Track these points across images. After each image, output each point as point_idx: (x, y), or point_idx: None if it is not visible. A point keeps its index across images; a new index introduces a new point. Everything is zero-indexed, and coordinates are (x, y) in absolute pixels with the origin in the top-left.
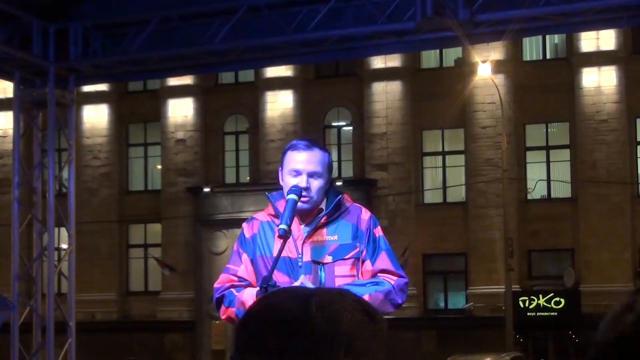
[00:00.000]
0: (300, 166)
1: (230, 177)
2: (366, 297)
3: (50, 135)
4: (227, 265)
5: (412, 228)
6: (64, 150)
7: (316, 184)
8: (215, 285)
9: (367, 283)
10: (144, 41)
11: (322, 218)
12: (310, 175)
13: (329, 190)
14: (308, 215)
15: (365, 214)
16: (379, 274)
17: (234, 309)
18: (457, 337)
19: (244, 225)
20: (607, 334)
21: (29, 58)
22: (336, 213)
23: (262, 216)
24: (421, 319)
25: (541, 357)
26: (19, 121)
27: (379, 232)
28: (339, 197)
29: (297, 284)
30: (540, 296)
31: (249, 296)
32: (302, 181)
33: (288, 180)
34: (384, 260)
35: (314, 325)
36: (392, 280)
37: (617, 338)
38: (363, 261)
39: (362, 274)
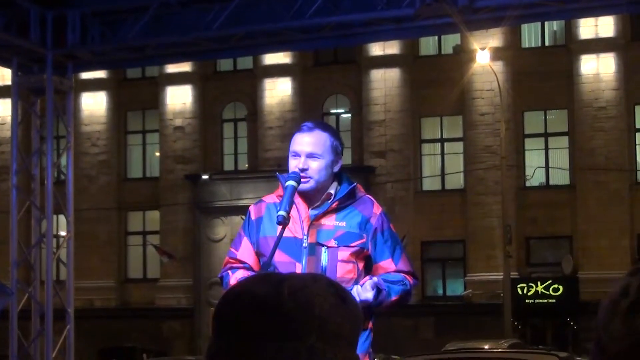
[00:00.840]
0: (299, 148)
1: (228, 165)
2: (396, 298)
3: (49, 122)
4: (230, 248)
5: (410, 215)
6: (62, 137)
7: (315, 165)
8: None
9: (397, 282)
10: (142, 28)
11: (333, 203)
12: (309, 156)
13: (340, 176)
14: (314, 198)
15: (377, 209)
16: (401, 273)
17: (225, 288)
18: (455, 324)
19: (251, 207)
20: (612, 329)
21: (27, 45)
22: (348, 201)
23: (270, 198)
24: (419, 306)
25: (539, 343)
26: (17, 108)
27: (393, 228)
28: (353, 186)
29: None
30: (539, 283)
31: (234, 280)
32: (300, 162)
33: (290, 162)
34: (405, 262)
35: (286, 310)
36: (411, 280)
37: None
38: (372, 256)
39: (378, 269)
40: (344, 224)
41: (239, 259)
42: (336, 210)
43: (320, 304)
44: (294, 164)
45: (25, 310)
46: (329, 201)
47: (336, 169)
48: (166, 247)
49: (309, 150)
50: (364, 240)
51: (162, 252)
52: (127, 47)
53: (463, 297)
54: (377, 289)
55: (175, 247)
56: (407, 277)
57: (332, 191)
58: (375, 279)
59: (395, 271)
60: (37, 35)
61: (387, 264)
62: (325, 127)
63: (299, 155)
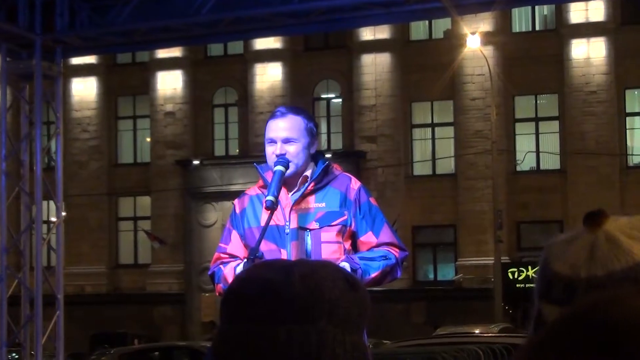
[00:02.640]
0: (274, 134)
1: (219, 150)
2: (377, 274)
3: (38, 108)
4: (219, 244)
5: (401, 200)
6: (52, 123)
7: (292, 149)
8: (211, 264)
9: (377, 257)
10: (131, 13)
11: (309, 185)
12: (285, 141)
13: (316, 157)
14: (294, 183)
15: (355, 184)
16: (383, 246)
17: (221, 285)
18: (446, 308)
19: (235, 201)
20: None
21: (15, 30)
22: (324, 180)
23: (253, 190)
24: (410, 290)
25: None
26: (6, 94)
27: (374, 201)
28: (326, 164)
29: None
30: (530, 267)
31: (229, 270)
32: (277, 148)
33: (267, 150)
34: (387, 233)
35: (296, 293)
36: (396, 253)
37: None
38: (355, 231)
39: (361, 244)
40: (323, 204)
41: (229, 253)
42: (314, 191)
43: (329, 288)
44: (270, 151)
45: (15, 296)
46: (306, 184)
47: (313, 150)
48: (157, 233)
49: (284, 136)
50: (345, 217)
51: (153, 237)
52: (116, 32)
53: (454, 281)
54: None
55: (166, 232)
56: (391, 249)
57: (308, 173)
58: (344, 262)
59: (377, 244)
60: (26, 20)
61: (367, 238)
62: (297, 111)
63: (275, 142)
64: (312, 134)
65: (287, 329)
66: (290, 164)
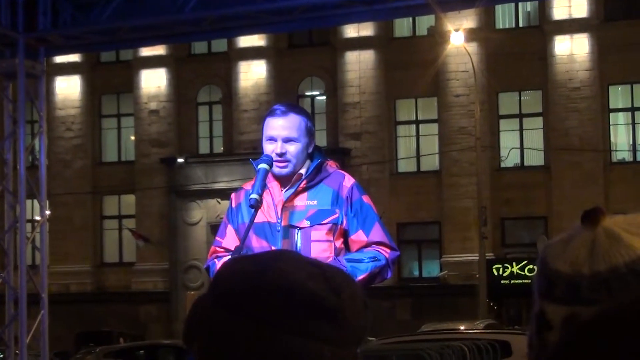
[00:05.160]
0: (275, 132)
1: (204, 148)
2: (365, 276)
3: (21, 106)
4: (215, 237)
5: (386, 197)
6: (36, 121)
7: (292, 149)
8: (207, 257)
9: (367, 258)
10: (114, 11)
11: (301, 183)
12: (286, 140)
13: (312, 154)
14: (288, 180)
15: (348, 181)
16: (373, 245)
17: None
18: (432, 305)
19: (232, 195)
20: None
21: None
22: (316, 178)
23: (249, 185)
24: (396, 287)
25: (515, 324)
26: None
27: (367, 199)
28: (318, 161)
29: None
30: (514, 264)
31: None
32: (277, 147)
33: (266, 147)
34: (378, 232)
35: (346, 317)
36: (386, 253)
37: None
38: (346, 229)
39: (352, 243)
40: (315, 202)
41: (225, 247)
42: (307, 189)
43: (364, 313)
44: (270, 149)
45: None
46: (299, 181)
47: (309, 150)
48: (142, 231)
49: (285, 135)
50: (337, 215)
51: (137, 235)
52: (99, 31)
53: (439, 278)
54: None
55: (151, 230)
56: (382, 249)
57: (303, 171)
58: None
59: (367, 243)
60: (8, 19)
61: (358, 237)
62: (299, 110)
63: (276, 140)
64: (311, 134)
65: (331, 350)
66: (289, 164)
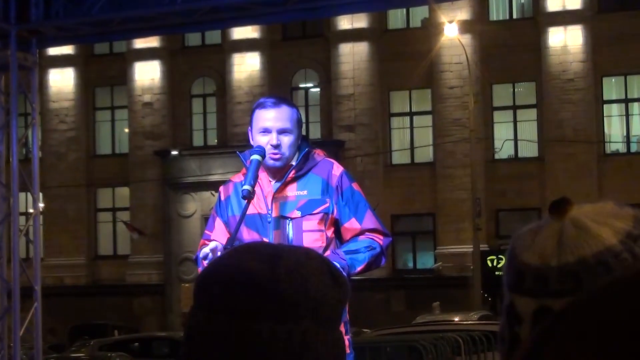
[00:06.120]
0: (269, 124)
1: (198, 140)
2: (362, 266)
3: (13, 99)
4: (205, 230)
5: (380, 189)
6: (29, 114)
7: (287, 140)
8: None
9: (363, 248)
10: (107, 2)
11: (290, 173)
12: (280, 132)
13: (301, 145)
14: (279, 172)
15: (337, 169)
16: (366, 233)
17: (200, 269)
18: (426, 296)
19: (221, 188)
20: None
21: None
22: (304, 167)
23: (237, 177)
24: (390, 279)
25: None
26: None
27: (357, 187)
28: (305, 151)
29: None
30: None
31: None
32: (272, 139)
33: (259, 139)
34: (371, 219)
35: (282, 290)
36: (380, 240)
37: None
38: (338, 218)
39: (345, 231)
40: (305, 192)
41: (213, 240)
42: (296, 179)
43: (316, 285)
44: (265, 141)
45: None
46: (288, 172)
47: (299, 141)
48: (136, 224)
49: (279, 126)
50: (327, 204)
51: (132, 228)
52: (91, 22)
53: (433, 270)
54: None
55: (145, 223)
56: (376, 236)
57: (293, 162)
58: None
59: (361, 231)
60: (0, 10)
61: (351, 224)
62: (289, 102)
63: (270, 131)
64: (301, 126)
65: (271, 327)
66: (282, 156)
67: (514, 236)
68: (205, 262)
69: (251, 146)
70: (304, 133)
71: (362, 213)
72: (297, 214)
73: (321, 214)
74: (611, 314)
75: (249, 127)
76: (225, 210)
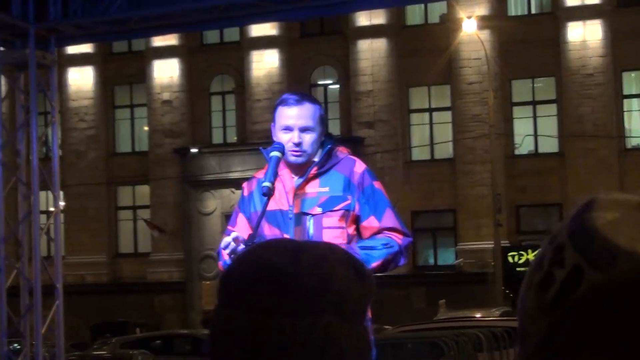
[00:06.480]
0: (291, 122)
1: (217, 138)
2: (378, 263)
3: (33, 97)
4: (227, 226)
5: (399, 185)
6: (48, 112)
7: (308, 138)
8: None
9: (380, 245)
10: (124, 1)
11: (312, 169)
12: (302, 130)
13: (324, 142)
14: (301, 168)
15: (359, 167)
16: (385, 232)
17: (221, 262)
18: (447, 293)
19: (244, 184)
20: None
21: (8, 19)
22: (327, 164)
23: (261, 173)
24: (411, 276)
25: None
26: (1, 84)
27: (379, 185)
28: (328, 148)
29: None
30: (529, 251)
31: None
32: (294, 137)
33: (280, 136)
34: (390, 218)
35: (304, 284)
36: (399, 239)
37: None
38: (359, 215)
39: (363, 229)
40: (327, 189)
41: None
42: (318, 175)
43: (339, 279)
44: (286, 138)
45: (14, 286)
46: (309, 168)
47: (322, 138)
48: (156, 221)
49: (302, 124)
50: (349, 201)
51: (152, 226)
52: (109, 21)
53: (454, 266)
54: None
55: (166, 221)
56: (394, 235)
57: (316, 159)
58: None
59: (379, 229)
60: (19, 9)
61: (370, 222)
62: (312, 99)
63: (292, 129)
64: (324, 122)
65: (293, 322)
66: (304, 153)
67: (601, 204)
68: (226, 252)
69: (274, 142)
70: (330, 132)
71: (382, 211)
72: (318, 210)
73: (342, 211)
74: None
75: (272, 123)
76: (248, 205)
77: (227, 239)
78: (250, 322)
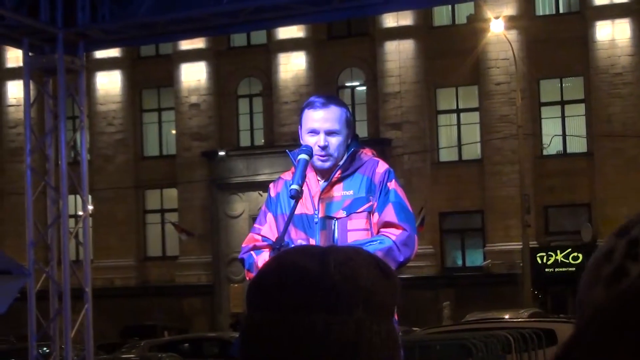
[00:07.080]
0: (317, 125)
1: (244, 140)
2: None
3: (61, 102)
4: (254, 225)
5: (427, 187)
6: (77, 117)
7: (334, 141)
8: (243, 244)
9: (367, 242)
10: (152, 4)
11: (336, 173)
12: (328, 133)
13: (350, 145)
14: (327, 172)
15: (381, 167)
16: (381, 229)
17: (252, 274)
18: (475, 294)
19: (271, 184)
20: (592, 294)
21: (37, 25)
22: (351, 167)
23: (288, 175)
24: (439, 277)
25: (560, 312)
26: (29, 88)
27: (392, 185)
28: (351, 151)
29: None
30: (558, 252)
31: (262, 259)
32: (320, 140)
33: (307, 139)
34: (389, 213)
35: (333, 282)
36: (393, 235)
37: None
38: (373, 213)
39: (372, 226)
40: (351, 192)
41: (263, 235)
42: (342, 179)
43: (365, 276)
44: (313, 141)
45: (44, 290)
46: (334, 172)
47: (349, 141)
48: (184, 225)
49: (327, 127)
50: (371, 203)
51: (180, 229)
52: (137, 25)
53: (483, 267)
54: None
55: (194, 224)
56: (388, 231)
57: (341, 162)
58: None
59: (378, 223)
60: (47, 14)
61: (375, 219)
62: (339, 102)
63: (318, 132)
64: (351, 125)
65: (325, 319)
66: (330, 157)
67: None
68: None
69: (301, 145)
70: (358, 134)
71: (383, 207)
72: (343, 213)
73: (366, 213)
74: None
75: (299, 126)
76: (276, 206)
77: None
78: (285, 321)
